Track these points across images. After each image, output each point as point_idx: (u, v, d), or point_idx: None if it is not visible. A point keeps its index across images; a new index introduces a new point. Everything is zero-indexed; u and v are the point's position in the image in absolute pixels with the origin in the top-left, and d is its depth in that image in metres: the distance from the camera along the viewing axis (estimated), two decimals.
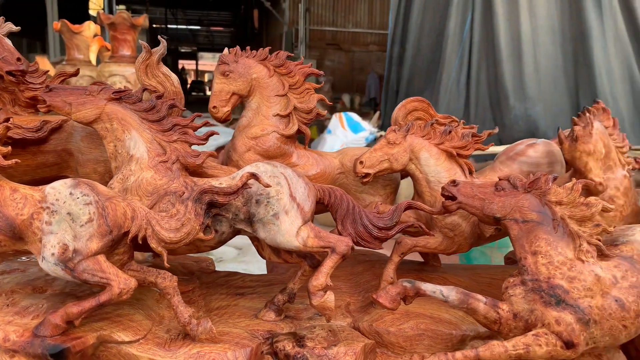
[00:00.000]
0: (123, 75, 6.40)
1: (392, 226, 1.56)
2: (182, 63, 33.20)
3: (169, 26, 27.16)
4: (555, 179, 1.48)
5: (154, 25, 24.30)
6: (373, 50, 12.41)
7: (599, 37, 7.93)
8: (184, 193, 1.45)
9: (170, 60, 27.10)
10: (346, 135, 7.44)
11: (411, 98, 1.88)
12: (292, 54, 1.89)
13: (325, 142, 7.42)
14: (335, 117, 7.88)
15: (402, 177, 1.95)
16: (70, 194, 1.31)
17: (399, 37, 9.36)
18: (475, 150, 1.79)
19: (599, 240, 1.43)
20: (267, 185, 1.44)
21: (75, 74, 1.97)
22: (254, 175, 1.43)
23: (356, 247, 1.55)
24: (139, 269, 1.41)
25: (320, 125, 8.66)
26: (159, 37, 1.69)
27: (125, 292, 1.30)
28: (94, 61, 6.08)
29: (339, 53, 12.76)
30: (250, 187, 1.47)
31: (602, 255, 1.42)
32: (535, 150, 1.84)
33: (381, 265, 1.83)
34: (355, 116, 8.23)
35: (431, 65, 8.59)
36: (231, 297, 1.69)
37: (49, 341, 1.29)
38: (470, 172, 1.77)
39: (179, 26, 28.80)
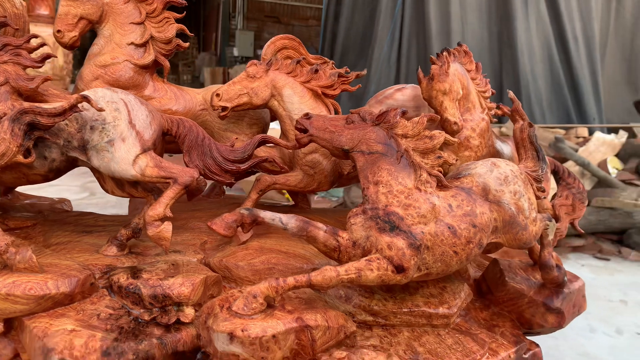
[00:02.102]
0: (40, 36, 5.96)
1: (244, 159, 1.52)
2: None
3: None
4: (404, 113, 1.48)
5: None
6: (312, 25, 12.29)
7: (523, 18, 8.24)
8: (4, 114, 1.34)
9: None
10: None
11: (281, 35, 1.83)
12: None
13: None
14: None
15: (272, 119, 1.91)
16: None
17: (333, 12, 9.33)
18: (342, 90, 1.78)
19: (440, 171, 1.45)
20: (100, 109, 1.35)
21: None
22: (85, 98, 1.33)
23: (217, 185, 1.51)
24: None
25: None
26: None
27: None
28: None
29: (278, 26, 12.50)
30: (83, 112, 1.37)
31: (441, 186, 1.44)
32: (402, 93, 1.85)
33: None
34: None
35: (364, 41, 8.63)
36: (76, 234, 1.60)
37: None
38: (337, 113, 1.76)
39: None
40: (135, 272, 1.38)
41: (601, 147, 7.48)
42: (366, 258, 1.33)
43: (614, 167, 7.40)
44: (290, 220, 1.38)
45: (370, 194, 1.41)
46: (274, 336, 1.22)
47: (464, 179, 1.49)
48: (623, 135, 7.75)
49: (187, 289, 1.33)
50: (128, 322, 1.28)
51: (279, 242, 1.65)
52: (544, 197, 1.60)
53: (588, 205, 7.08)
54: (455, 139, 1.50)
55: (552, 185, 2.10)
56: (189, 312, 1.32)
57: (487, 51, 8.09)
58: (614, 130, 8.01)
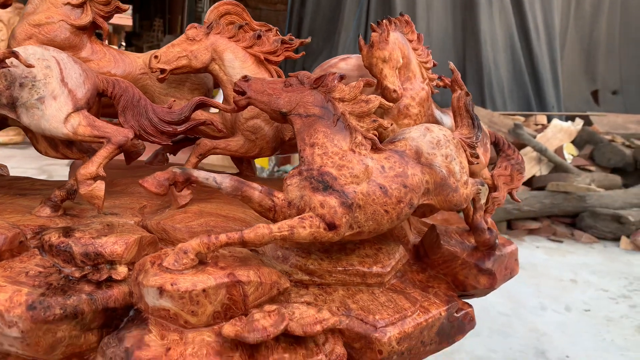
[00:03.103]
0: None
1: (181, 121, 1.52)
2: None
3: None
4: (342, 78, 1.50)
5: None
6: (280, 9, 12.19)
7: (486, 7, 8.38)
8: None
9: None
10: None
11: (224, 1, 1.82)
12: None
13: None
14: None
15: (216, 85, 1.91)
16: None
17: None
18: (286, 57, 1.79)
19: (375, 135, 1.49)
20: (29, 66, 1.33)
21: None
22: (13, 54, 1.31)
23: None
24: None
25: None
26: None
27: None
28: None
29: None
30: (12, 68, 1.35)
31: (376, 149, 1.48)
32: (346, 63, 1.88)
33: None
34: None
35: (330, 25, 8.63)
36: (9, 196, 1.57)
37: None
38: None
39: None
40: (67, 232, 1.37)
41: (558, 134, 7.74)
42: (299, 216, 1.36)
43: (569, 153, 7.67)
44: (224, 180, 1.39)
45: (306, 156, 1.43)
46: (204, 290, 1.24)
47: (397, 142, 1.53)
48: (579, 123, 8.03)
49: (120, 247, 1.33)
50: (58, 279, 1.27)
51: (219, 206, 1.65)
52: (477, 163, 1.66)
53: (543, 189, 7.34)
54: (391, 104, 1.54)
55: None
56: (121, 270, 1.32)
57: (451, 39, 8.23)
58: (571, 118, 8.29)
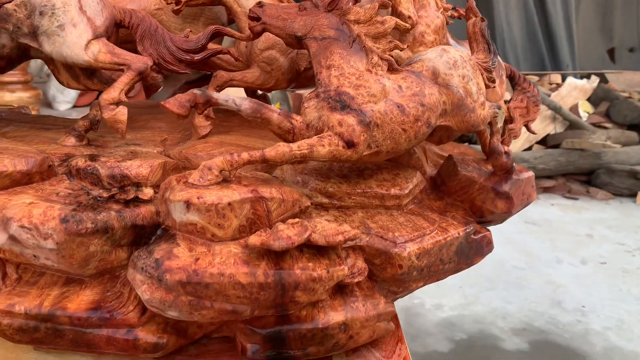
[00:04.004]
0: None
1: (198, 49, 1.54)
2: None
3: None
4: (356, 0, 1.50)
5: None
6: None
7: None
8: None
9: None
10: None
11: None
12: None
13: None
14: None
15: (230, 22, 1.91)
16: None
17: None
18: None
19: (392, 56, 1.49)
20: None
21: None
22: None
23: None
24: None
25: None
26: None
27: None
28: None
29: None
30: None
31: (392, 70, 1.48)
32: None
33: None
34: None
35: None
36: (34, 130, 1.61)
37: None
38: None
39: None
40: (93, 157, 1.41)
41: (573, 92, 7.62)
42: (318, 135, 1.38)
43: (585, 111, 7.56)
44: (244, 102, 1.41)
45: (322, 78, 1.44)
46: (229, 204, 1.27)
47: (414, 64, 1.54)
48: (595, 81, 7.88)
49: (145, 170, 1.36)
50: (87, 200, 1.32)
51: (238, 138, 1.68)
52: (493, 87, 1.66)
53: (558, 147, 7.28)
54: (407, 24, 1.54)
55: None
56: (147, 191, 1.36)
57: None
58: (586, 77, 8.13)
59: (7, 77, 6.47)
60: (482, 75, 1.61)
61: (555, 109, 6.96)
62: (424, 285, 1.62)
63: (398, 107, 1.42)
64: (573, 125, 7.04)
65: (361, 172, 1.61)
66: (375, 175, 1.60)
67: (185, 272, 1.20)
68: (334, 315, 1.36)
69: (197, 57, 1.53)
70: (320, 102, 1.41)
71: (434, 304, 4.18)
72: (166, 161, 1.45)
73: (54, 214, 1.21)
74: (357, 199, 1.53)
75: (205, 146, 1.59)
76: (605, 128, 7.15)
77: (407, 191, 1.57)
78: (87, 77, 1.52)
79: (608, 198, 6.54)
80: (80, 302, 1.27)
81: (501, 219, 1.81)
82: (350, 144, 1.37)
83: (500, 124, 1.67)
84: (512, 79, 2.05)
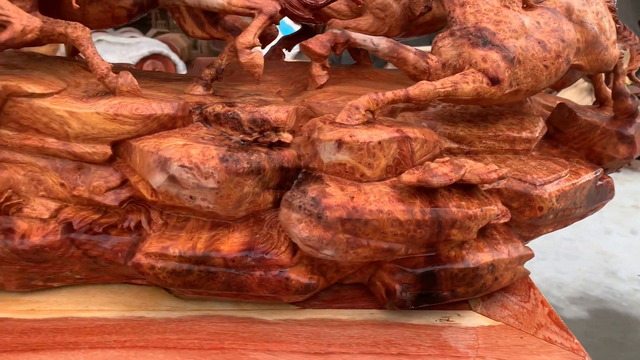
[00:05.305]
0: None
1: None
2: None
3: None
4: None
5: None
6: None
7: None
8: None
9: None
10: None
11: None
12: None
13: None
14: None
15: None
16: None
17: None
18: None
19: None
20: None
21: None
22: None
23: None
24: (46, 19, 1.28)
25: None
26: None
27: (30, 30, 1.18)
28: None
29: None
30: None
31: (527, 7, 1.44)
32: None
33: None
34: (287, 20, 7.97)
35: None
36: (156, 80, 1.60)
37: None
38: None
39: None
40: (230, 103, 1.39)
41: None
42: (461, 72, 1.35)
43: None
44: (381, 41, 1.39)
45: (457, 16, 1.41)
46: (379, 142, 1.25)
47: (546, 1, 1.49)
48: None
49: (283, 115, 1.35)
50: (232, 143, 1.31)
51: (352, 87, 1.66)
52: (619, 27, 1.61)
53: None
54: None
55: None
56: (287, 136, 1.35)
57: None
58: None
59: None
60: (611, 14, 1.56)
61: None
62: (552, 230, 1.60)
63: (539, 43, 1.38)
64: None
65: (485, 117, 1.58)
66: (501, 119, 1.57)
67: (345, 209, 1.19)
68: (482, 256, 1.34)
69: (321, 1, 1.51)
70: (458, 39, 1.38)
71: None
72: (298, 107, 1.43)
73: (212, 154, 1.20)
74: (487, 142, 1.51)
75: (325, 95, 1.57)
76: None
77: (537, 134, 1.54)
78: (212, 25, 1.50)
79: None
80: (232, 244, 1.27)
81: (618, 166, 1.77)
82: (495, 81, 1.34)
83: (625, 65, 1.62)
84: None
